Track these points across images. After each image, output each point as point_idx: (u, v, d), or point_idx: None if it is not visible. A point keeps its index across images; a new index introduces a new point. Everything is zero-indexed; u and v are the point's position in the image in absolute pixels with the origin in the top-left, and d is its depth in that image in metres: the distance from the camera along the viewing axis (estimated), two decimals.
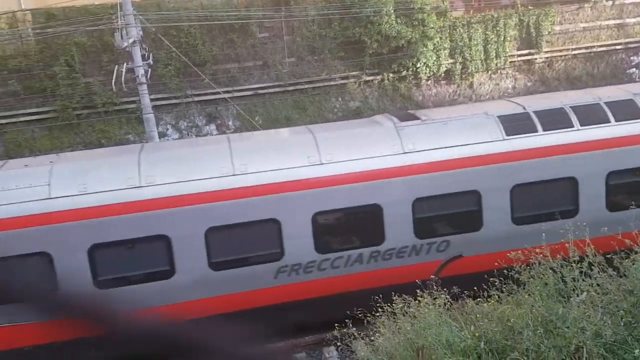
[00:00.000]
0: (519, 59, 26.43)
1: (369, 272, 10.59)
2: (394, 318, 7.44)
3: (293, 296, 10.39)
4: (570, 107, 11.21)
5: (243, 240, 10.35)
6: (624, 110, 11.19)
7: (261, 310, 10.25)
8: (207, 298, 9.97)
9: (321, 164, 10.31)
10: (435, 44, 24.53)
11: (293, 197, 10.16)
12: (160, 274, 10.01)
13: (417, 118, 11.27)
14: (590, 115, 11.11)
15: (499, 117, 11.00)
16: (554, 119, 11.01)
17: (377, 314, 7.91)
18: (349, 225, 10.86)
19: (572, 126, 10.91)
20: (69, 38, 21.48)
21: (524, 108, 11.26)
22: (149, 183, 9.86)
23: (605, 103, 11.28)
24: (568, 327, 5.58)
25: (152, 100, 17.72)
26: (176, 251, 9.93)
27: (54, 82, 21.23)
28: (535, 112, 11.10)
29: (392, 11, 23.25)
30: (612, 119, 11.04)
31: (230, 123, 22.88)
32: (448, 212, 10.93)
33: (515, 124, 10.92)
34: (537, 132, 10.83)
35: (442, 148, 10.59)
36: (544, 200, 11.03)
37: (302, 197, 10.21)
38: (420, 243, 10.62)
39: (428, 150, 10.56)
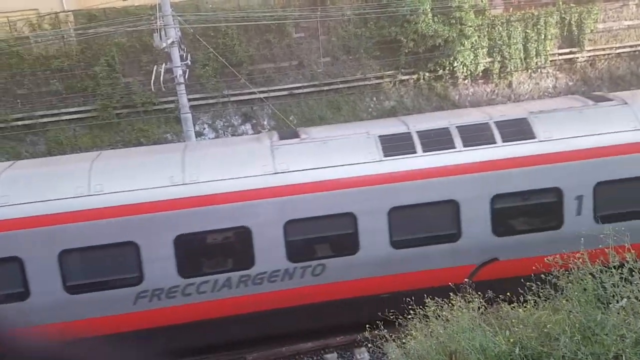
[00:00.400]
0: (560, 57, 25.85)
1: (239, 298, 10.20)
2: (426, 321, 7.35)
3: (155, 322, 10.07)
4: (457, 127, 10.62)
5: (99, 263, 10.01)
6: (514, 130, 10.53)
7: (122, 336, 9.98)
8: (64, 322, 9.73)
9: (184, 184, 9.92)
10: (473, 43, 24.19)
11: (153, 218, 9.79)
12: (15, 296, 9.77)
13: (297, 136, 10.82)
14: (476, 135, 10.51)
15: (380, 137, 10.52)
16: (436, 140, 10.48)
17: (409, 317, 7.81)
18: (216, 249, 10.40)
19: (454, 147, 10.35)
20: (109, 39, 22.02)
21: (408, 127, 10.73)
22: (3, 203, 9.67)
23: (495, 122, 10.65)
24: (607, 334, 5.41)
25: (189, 100, 17.97)
26: (30, 273, 9.71)
27: (95, 81, 21.78)
28: (418, 132, 10.58)
29: (429, 10, 23.02)
30: (498, 139, 10.42)
31: (265, 122, 23.04)
32: (323, 235, 10.49)
33: (395, 144, 10.43)
34: (416, 152, 10.33)
35: (316, 168, 10.14)
36: (424, 223, 10.54)
37: (163, 219, 9.81)
38: (293, 267, 10.18)
39: (302, 170, 10.12)
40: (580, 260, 6.68)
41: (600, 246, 7.48)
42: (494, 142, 10.39)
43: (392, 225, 10.23)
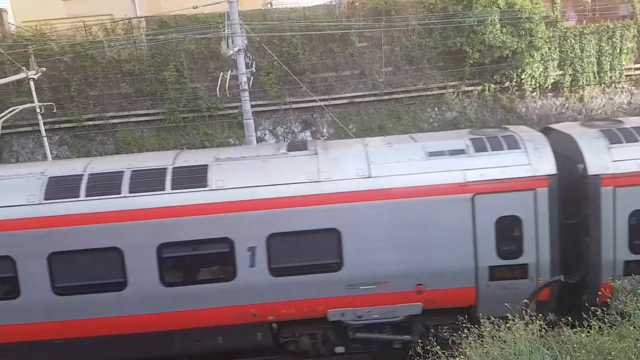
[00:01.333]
0: (637, 72, 24.68)
1: None
2: (482, 341, 7.10)
3: None
4: (132, 171, 10.17)
5: None
6: (189, 178, 10.05)
7: None
8: None
9: None
10: (543, 55, 23.46)
11: None
12: None
13: None
14: (146, 181, 10.04)
15: (50, 178, 10.14)
16: (104, 184, 10.04)
17: (464, 335, 7.58)
18: None
19: (120, 192, 9.92)
20: (179, 45, 22.73)
21: (84, 169, 10.32)
22: None
23: (174, 168, 10.17)
24: None
25: (252, 106, 18.25)
26: None
27: (164, 86, 22.53)
28: (91, 175, 10.16)
29: (497, 20, 22.50)
30: (168, 186, 9.93)
31: (324, 130, 23.13)
32: None
33: (61, 187, 10.02)
34: (78, 197, 9.88)
35: None
36: (89, 270, 10.09)
37: None
38: None
39: None
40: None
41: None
42: (162, 189, 9.94)
43: (54, 271, 9.90)
